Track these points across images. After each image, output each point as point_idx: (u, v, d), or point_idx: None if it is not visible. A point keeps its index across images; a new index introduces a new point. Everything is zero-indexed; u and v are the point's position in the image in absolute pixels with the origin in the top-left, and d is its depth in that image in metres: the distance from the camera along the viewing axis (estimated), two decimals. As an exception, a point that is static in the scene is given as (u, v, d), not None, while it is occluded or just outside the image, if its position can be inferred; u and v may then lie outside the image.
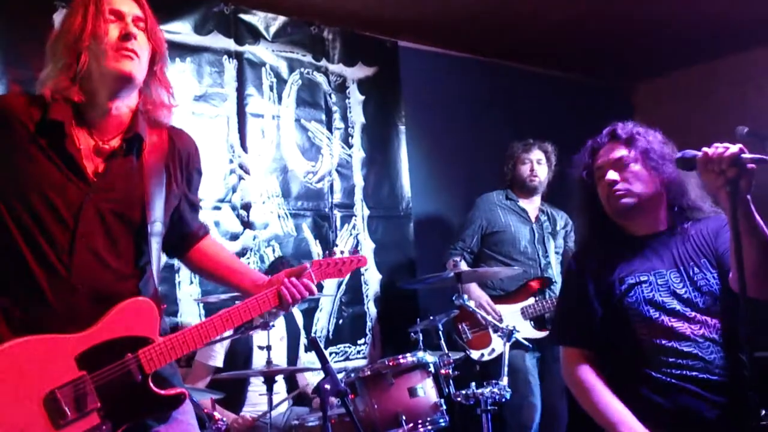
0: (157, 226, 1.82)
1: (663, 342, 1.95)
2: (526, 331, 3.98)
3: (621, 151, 2.13)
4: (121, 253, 1.78)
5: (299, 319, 4.07)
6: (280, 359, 3.64)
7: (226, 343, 3.51)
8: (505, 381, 3.31)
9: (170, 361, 1.77)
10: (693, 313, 1.97)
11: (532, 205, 4.35)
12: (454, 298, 3.47)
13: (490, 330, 3.99)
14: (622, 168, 2.11)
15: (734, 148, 1.74)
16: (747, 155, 1.73)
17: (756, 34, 5.18)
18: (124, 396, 1.73)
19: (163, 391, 1.77)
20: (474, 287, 4.14)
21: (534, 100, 5.48)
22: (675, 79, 5.98)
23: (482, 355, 3.98)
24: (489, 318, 3.91)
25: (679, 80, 5.96)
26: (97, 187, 1.77)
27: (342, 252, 2.15)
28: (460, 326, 4.07)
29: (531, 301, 4.09)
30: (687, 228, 2.07)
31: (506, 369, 3.40)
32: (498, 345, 3.97)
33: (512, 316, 4.03)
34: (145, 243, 1.80)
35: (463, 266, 3.66)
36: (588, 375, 2.05)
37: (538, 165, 4.28)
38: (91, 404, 1.69)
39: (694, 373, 1.92)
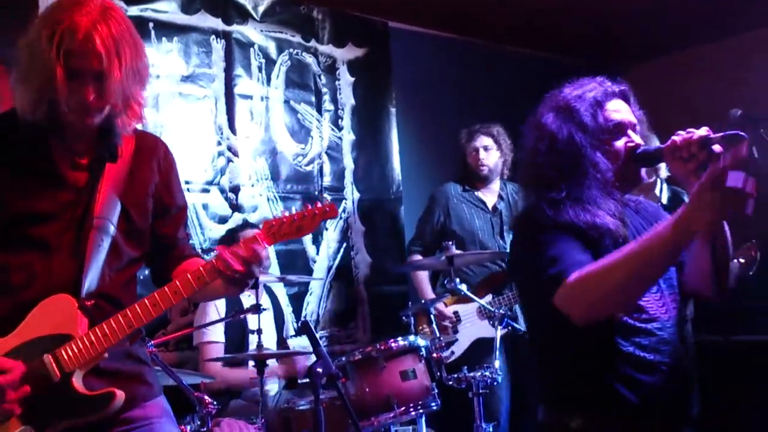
0: (104, 223, 1.75)
1: (636, 323, 1.77)
2: (485, 330, 3.82)
3: (633, 116, 1.89)
4: (78, 256, 1.73)
5: (283, 302, 4.04)
6: (270, 343, 3.61)
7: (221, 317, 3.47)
8: (497, 364, 3.30)
9: (93, 355, 1.68)
10: (657, 292, 1.82)
11: (491, 194, 4.19)
12: (446, 281, 3.44)
13: (450, 332, 3.93)
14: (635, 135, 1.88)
15: (702, 131, 1.69)
16: (715, 135, 1.69)
17: (751, 16, 5.15)
18: (45, 399, 1.66)
19: (87, 392, 1.68)
20: (427, 290, 4.06)
21: (526, 83, 5.40)
22: (669, 60, 5.95)
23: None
24: (446, 324, 3.89)
25: (672, 62, 5.93)
26: (78, 199, 1.75)
27: (305, 205, 1.81)
28: (420, 328, 3.94)
29: (489, 298, 3.90)
30: (637, 201, 1.97)
31: (497, 353, 3.39)
32: (458, 348, 3.89)
33: (470, 316, 3.92)
34: (89, 238, 1.74)
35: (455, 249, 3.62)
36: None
37: (485, 152, 4.11)
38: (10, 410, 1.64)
39: (659, 358, 1.77)
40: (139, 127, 1.86)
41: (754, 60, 5.37)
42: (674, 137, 1.73)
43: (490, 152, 4.13)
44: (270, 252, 3.84)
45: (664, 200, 3.89)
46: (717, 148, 1.66)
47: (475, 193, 4.18)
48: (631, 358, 1.75)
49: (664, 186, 3.93)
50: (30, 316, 1.69)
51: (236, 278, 1.72)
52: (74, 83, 1.64)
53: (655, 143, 1.86)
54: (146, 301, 1.72)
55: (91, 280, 1.72)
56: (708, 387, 4.02)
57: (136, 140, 1.86)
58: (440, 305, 3.94)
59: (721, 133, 1.68)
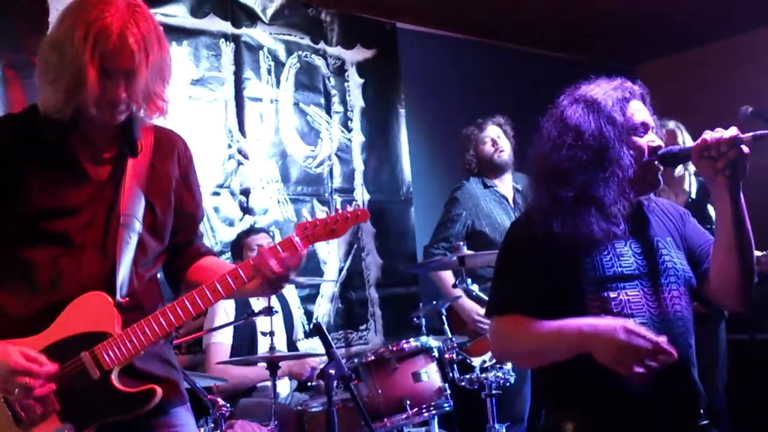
0: (131, 220, 1.76)
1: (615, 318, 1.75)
2: None
3: (651, 118, 1.90)
4: (108, 253, 1.74)
5: (293, 305, 4.04)
6: (281, 345, 3.62)
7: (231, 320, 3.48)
8: (509, 365, 3.29)
9: (133, 354, 1.69)
10: (651, 290, 1.80)
11: (507, 186, 4.13)
12: (457, 282, 3.43)
13: (488, 335, 3.89)
14: None
15: (732, 130, 1.70)
16: (746, 134, 1.70)
17: (759, 13, 5.14)
18: (84, 396, 1.66)
19: (127, 389, 1.69)
20: (464, 300, 3.95)
21: (535, 82, 5.42)
22: (677, 59, 5.94)
23: (484, 361, 3.85)
24: (486, 327, 3.88)
25: (681, 60, 5.91)
26: (102, 194, 1.76)
27: (336, 209, 1.87)
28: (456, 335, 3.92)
29: None
30: (650, 200, 1.96)
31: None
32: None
33: None
34: (117, 236, 1.74)
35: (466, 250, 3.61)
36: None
37: (498, 139, 4.06)
38: (49, 407, 1.65)
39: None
40: (161, 121, 1.87)
41: (760, 59, 5.35)
42: (704, 136, 1.73)
43: (503, 139, 4.08)
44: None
45: (693, 194, 3.87)
46: (747, 150, 1.68)
47: (496, 188, 4.10)
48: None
49: (693, 180, 3.91)
50: (64, 314, 1.69)
51: (273, 280, 1.75)
52: (106, 82, 1.66)
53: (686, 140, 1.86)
54: (185, 299, 1.73)
55: (122, 278, 1.73)
56: (734, 385, 3.98)
57: (155, 134, 1.87)
58: (477, 306, 3.92)
59: (752, 133, 1.68)
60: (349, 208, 1.86)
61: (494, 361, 3.82)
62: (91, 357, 1.67)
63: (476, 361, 3.84)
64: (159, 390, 1.70)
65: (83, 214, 1.73)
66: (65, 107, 1.69)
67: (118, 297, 1.71)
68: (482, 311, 3.88)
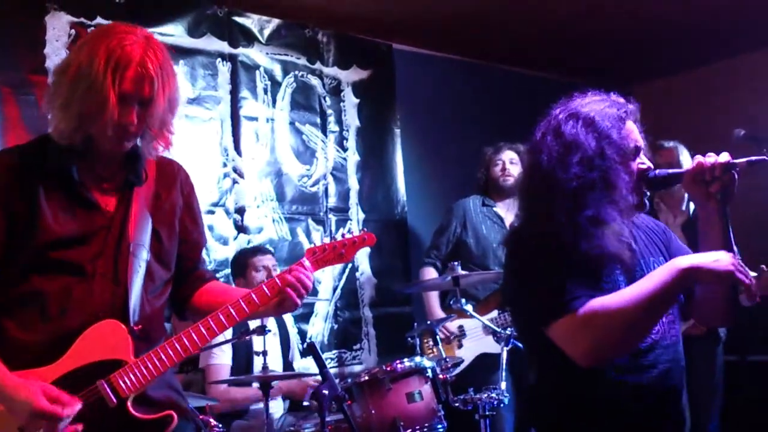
0: (139, 249, 1.77)
1: None
2: (490, 346, 3.75)
3: (641, 138, 1.84)
4: (119, 281, 1.75)
5: (289, 325, 4.03)
6: (276, 365, 3.59)
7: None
8: (503, 386, 3.28)
9: (148, 381, 1.69)
10: None
11: (509, 211, 4.17)
12: (452, 302, 3.43)
13: (454, 345, 3.92)
14: None
15: (725, 155, 1.70)
16: (740, 159, 1.70)
17: (751, 38, 5.19)
18: (101, 425, 1.66)
19: (145, 416, 1.69)
20: (435, 309, 4.03)
21: (530, 103, 5.41)
22: (670, 82, 5.99)
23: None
24: (452, 338, 3.89)
25: (674, 83, 5.96)
26: (111, 223, 1.77)
27: (343, 234, 1.90)
28: (425, 342, 3.92)
29: (494, 314, 3.86)
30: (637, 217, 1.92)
31: (504, 374, 3.36)
32: (464, 360, 3.87)
33: (475, 331, 3.89)
34: (127, 264, 1.76)
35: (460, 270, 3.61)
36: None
37: (510, 164, 4.13)
38: None
39: (644, 380, 1.72)
40: (165, 153, 1.89)
41: (754, 82, 5.40)
42: (699, 159, 1.72)
43: (515, 166, 4.14)
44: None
45: (691, 211, 3.88)
46: (735, 175, 1.68)
47: (494, 208, 4.17)
48: (612, 382, 1.72)
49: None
50: (78, 343, 1.68)
51: (288, 301, 1.79)
52: (122, 109, 1.68)
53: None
54: (200, 325, 1.74)
55: (134, 306, 1.74)
56: (724, 406, 3.97)
57: (157, 163, 1.90)
58: (441, 313, 3.94)
59: (746, 158, 1.69)
60: (356, 233, 1.91)
61: (456, 371, 3.80)
62: (107, 385, 1.67)
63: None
64: (176, 416, 1.71)
65: (94, 243, 1.74)
66: (76, 133, 1.70)
67: (131, 324, 1.71)
68: (448, 323, 3.90)
